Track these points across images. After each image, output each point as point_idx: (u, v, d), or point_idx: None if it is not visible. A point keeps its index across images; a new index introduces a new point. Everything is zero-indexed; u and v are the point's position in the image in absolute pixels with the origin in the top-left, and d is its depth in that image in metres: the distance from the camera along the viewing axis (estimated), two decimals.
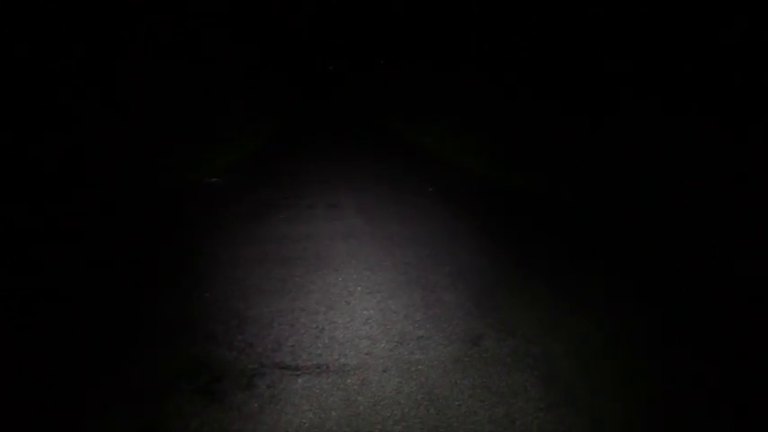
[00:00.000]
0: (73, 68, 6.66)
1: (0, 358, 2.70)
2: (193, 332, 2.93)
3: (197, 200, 6.28)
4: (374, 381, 2.45)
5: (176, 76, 10.67)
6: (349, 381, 2.45)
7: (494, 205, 5.89)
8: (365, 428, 2.12)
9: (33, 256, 4.15)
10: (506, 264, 3.93)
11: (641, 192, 5.75)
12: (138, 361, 2.66)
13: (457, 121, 11.98)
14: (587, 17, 8.29)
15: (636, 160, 6.45)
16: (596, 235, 4.66)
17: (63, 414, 2.25)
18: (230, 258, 4.10)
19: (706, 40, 6.52)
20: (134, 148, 7.49)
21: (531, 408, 2.24)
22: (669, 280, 3.63)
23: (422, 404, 2.27)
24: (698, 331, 2.91)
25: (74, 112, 6.67)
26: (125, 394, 2.37)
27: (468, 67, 13.21)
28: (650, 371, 2.52)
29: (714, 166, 5.72)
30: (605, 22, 7.93)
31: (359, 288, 3.50)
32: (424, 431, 2.10)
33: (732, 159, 5.67)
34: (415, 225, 4.93)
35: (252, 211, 5.56)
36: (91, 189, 6.00)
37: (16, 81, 5.88)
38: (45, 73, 6.26)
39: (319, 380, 2.47)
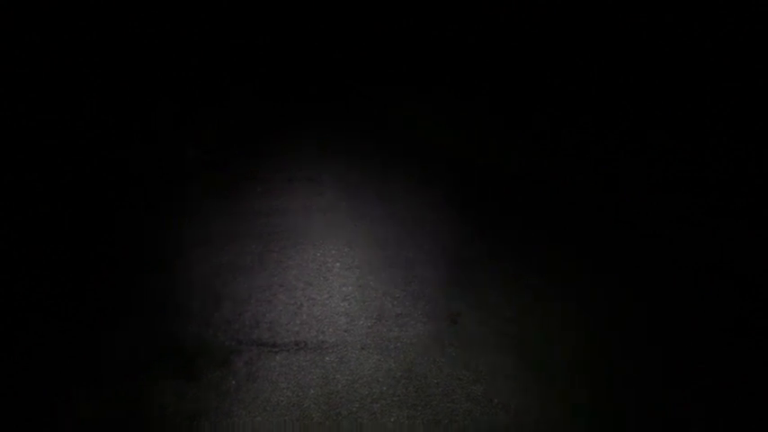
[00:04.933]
0: None
1: None
2: (169, 309, 2.87)
3: (171, 171, 6.09)
4: (353, 358, 2.45)
5: None
6: (327, 358, 2.45)
7: (473, 185, 5.88)
8: (343, 406, 2.12)
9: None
10: (484, 243, 3.95)
11: (627, 171, 5.82)
12: (112, 339, 2.59)
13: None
14: None
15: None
16: (577, 219, 4.71)
17: (38, 395, 2.19)
18: (206, 233, 4.01)
19: None
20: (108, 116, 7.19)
21: (509, 387, 2.27)
22: (648, 263, 3.70)
23: (400, 382, 2.28)
24: (686, 316, 2.99)
25: None
26: (99, 373, 2.32)
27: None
28: (626, 352, 2.58)
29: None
30: None
31: (337, 264, 3.48)
32: (402, 409, 2.12)
33: None
34: (393, 202, 4.89)
35: (228, 183, 5.43)
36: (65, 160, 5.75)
37: None
38: None
39: (297, 357, 2.45)
